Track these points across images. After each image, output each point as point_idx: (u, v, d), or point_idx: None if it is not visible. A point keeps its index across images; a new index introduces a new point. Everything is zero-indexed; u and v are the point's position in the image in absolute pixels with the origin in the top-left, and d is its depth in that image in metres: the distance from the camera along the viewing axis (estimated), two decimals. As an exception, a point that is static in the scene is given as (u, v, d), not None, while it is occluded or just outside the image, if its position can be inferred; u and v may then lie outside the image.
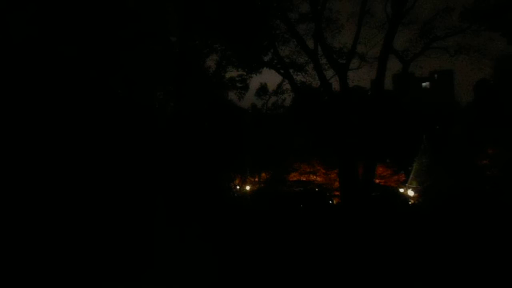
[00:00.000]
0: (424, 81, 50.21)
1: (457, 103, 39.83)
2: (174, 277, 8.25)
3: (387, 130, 16.98)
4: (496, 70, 29.85)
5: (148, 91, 22.13)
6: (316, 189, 24.74)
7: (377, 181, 23.61)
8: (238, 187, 26.71)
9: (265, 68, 19.00)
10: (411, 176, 30.94)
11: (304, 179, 24.57)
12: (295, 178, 24.66)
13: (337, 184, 23.59)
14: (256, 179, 25.64)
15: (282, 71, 16.34)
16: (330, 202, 23.01)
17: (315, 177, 24.72)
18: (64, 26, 14.50)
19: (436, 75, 49.70)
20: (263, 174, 25.72)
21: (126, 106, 18.94)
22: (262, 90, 26.39)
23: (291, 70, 16.46)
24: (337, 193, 23.27)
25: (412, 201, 28.46)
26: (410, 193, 29.55)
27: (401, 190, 30.38)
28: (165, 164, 17.78)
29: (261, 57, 16.94)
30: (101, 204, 11.97)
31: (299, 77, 16.91)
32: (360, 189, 14.22)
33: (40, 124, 12.29)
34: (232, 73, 22.89)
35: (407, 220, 18.11)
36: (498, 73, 30.19)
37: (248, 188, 25.63)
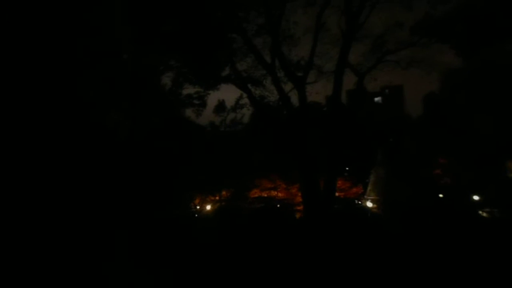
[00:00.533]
0: (376, 96, 52.33)
1: (408, 116, 41.52)
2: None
3: (345, 144, 17.12)
4: (443, 84, 31.36)
5: (102, 111, 21.21)
6: (278, 205, 24.55)
7: (337, 194, 23.81)
8: (198, 207, 25.97)
9: (222, 84, 18.77)
10: (368, 187, 31.64)
11: (265, 195, 24.31)
12: (256, 195, 24.35)
13: (298, 198, 23.53)
14: (217, 198, 25.07)
15: (240, 85, 16.16)
16: (292, 216, 22.85)
17: (276, 192, 24.54)
18: (13, 43, 13.68)
19: (387, 90, 51.93)
20: (224, 192, 25.20)
21: (78, 126, 17.99)
22: (220, 107, 26.11)
23: (249, 85, 16.32)
24: (299, 207, 23.20)
25: (371, 212, 29.02)
26: (369, 204, 30.17)
27: (360, 201, 30.96)
28: (119, 187, 16.90)
29: (219, 72, 16.69)
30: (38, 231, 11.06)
31: (258, 91, 16.83)
32: (322, 202, 14.13)
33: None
34: (189, 89, 22.48)
35: (369, 230, 18.28)
36: (445, 86, 31.61)
37: (208, 207, 24.99)
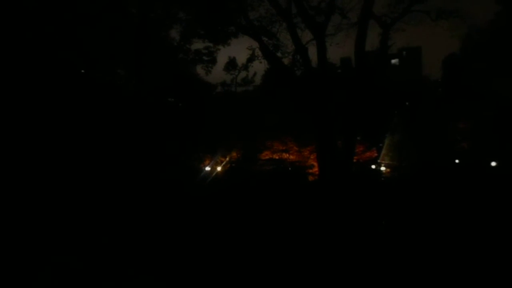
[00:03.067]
0: (393, 58, 50.24)
1: (426, 79, 39.90)
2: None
3: (364, 104, 16.05)
4: (464, 45, 29.78)
5: (109, 68, 20.32)
6: (289, 168, 23.85)
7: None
8: (208, 168, 25.38)
9: (233, 38, 17.55)
10: (382, 152, 30.74)
11: (276, 157, 23.53)
12: (267, 157, 23.59)
13: (310, 161, 22.78)
14: (228, 159, 24.39)
15: (252, 35, 14.86)
16: (305, 179, 22.19)
17: (287, 155, 23.74)
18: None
19: (404, 52, 49.78)
20: (234, 154, 24.48)
21: (88, 85, 17.24)
22: (231, 64, 24.87)
23: (262, 37, 15.06)
24: (310, 170, 22.51)
25: (385, 176, 28.32)
26: (382, 169, 29.41)
27: (373, 166, 30.18)
28: (127, 146, 16.29)
29: (230, 23, 15.47)
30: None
31: (271, 43, 15.55)
32: (341, 163, 13.25)
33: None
34: (198, 44, 21.39)
35: (385, 195, 17.64)
36: (466, 48, 30.13)
37: (219, 168, 24.38)
